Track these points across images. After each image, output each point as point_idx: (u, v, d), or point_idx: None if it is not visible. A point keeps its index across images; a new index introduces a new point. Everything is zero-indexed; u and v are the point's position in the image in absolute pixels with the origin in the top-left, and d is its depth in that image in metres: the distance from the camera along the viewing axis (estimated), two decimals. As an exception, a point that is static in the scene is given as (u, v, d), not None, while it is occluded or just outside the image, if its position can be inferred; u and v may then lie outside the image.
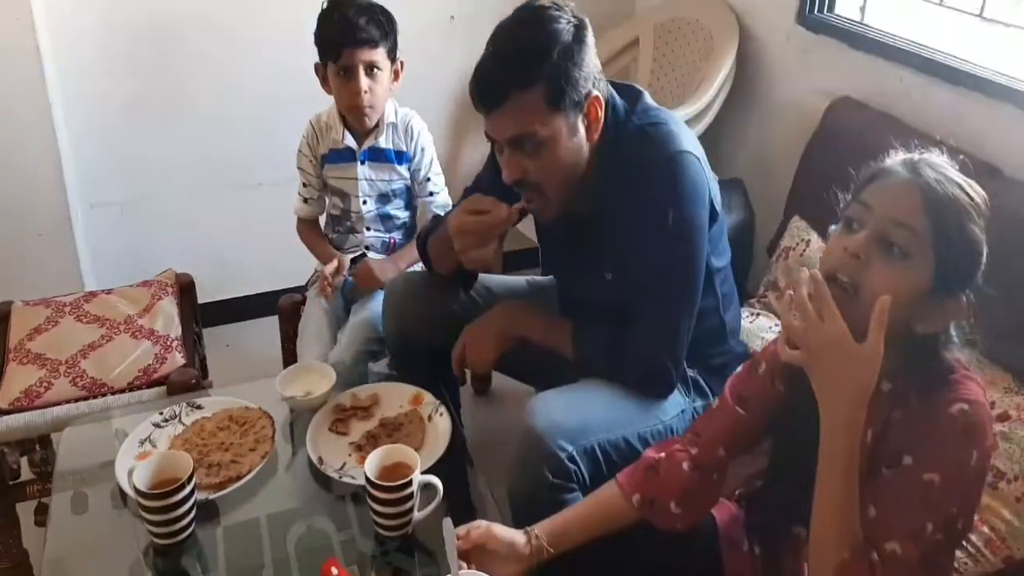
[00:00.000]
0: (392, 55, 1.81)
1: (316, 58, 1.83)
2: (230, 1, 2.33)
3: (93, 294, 1.96)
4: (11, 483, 1.72)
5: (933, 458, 0.93)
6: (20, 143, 2.13)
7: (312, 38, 1.81)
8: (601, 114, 1.32)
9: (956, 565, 1.32)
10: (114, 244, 2.45)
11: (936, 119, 1.80)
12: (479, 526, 1.18)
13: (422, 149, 1.90)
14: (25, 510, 1.77)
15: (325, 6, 1.80)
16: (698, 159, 1.34)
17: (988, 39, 1.81)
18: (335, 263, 1.86)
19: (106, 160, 2.37)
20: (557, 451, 1.26)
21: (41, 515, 1.79)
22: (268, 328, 2.46)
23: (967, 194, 0.97)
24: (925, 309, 0.97)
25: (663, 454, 1.20)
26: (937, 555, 0.98)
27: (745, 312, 1.81)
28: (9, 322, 1.86)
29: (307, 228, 2.03)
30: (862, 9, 2.14)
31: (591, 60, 1.29)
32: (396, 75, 1.84)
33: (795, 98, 2.17)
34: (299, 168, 1.97)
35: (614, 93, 1.37)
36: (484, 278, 1.71)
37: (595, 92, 1.30)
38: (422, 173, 1.92)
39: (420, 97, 2.45)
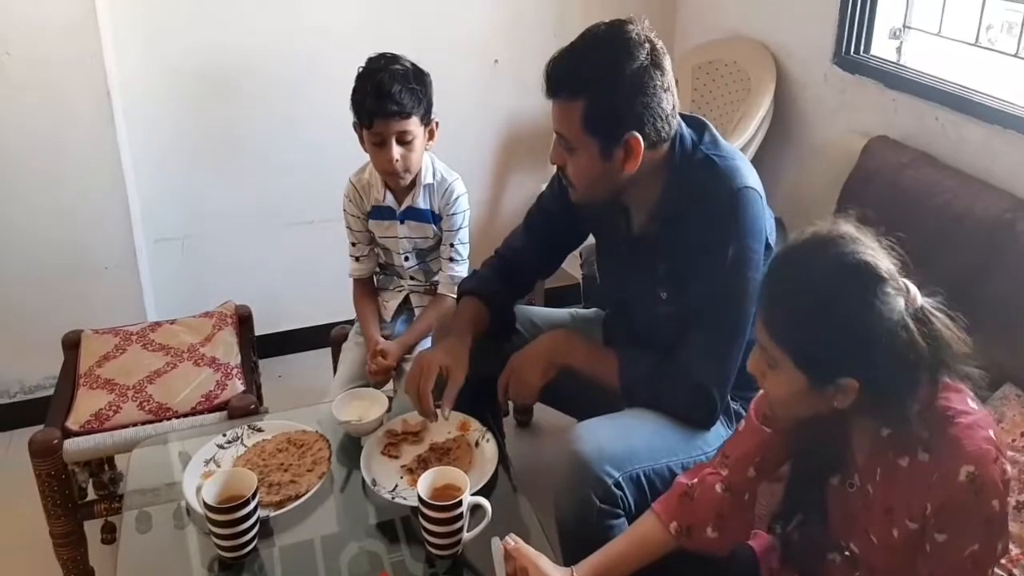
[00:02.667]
0: (426, 119, 1.82)
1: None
2: (287, 48, 2.45)
3: (158, 324, 2.06)
4: (80, 502, 1.81)
5: (965, 531, 0.99)
6: (90, 183, 2.26)
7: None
8: (640, 153, 1.34)
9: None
10: (175, 278, 2.57)
11: (971, 157, 1.84)
12: (527, 553, 1.20)
13: (453, 215, 1.93)
14: (91, 529, 1.86)
15: (363, 69, 1.82)
16: (760, 196, 1.40)
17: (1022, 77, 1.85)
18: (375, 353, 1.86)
19: (170, 199, 2.50)
20: (604, 476, 1.30)
21: (108, 533, 1.88)
22: (318, 359, 2.56)
23: (842, 282, 0.99)
24: (818, 397, 1.03)
25: (695, 480, 1.24)
26: None
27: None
28: (79, 349, 1.96)
29: (360, 293, 2.05)
30: (898, 50, 2.20)
31: (646, 100, 1.31)
32: (431, 135, 1.87)
33: (832, 138, 2.22)
34: (347, 228, 2.01)
35: (683, 125, 1.42)
36: (528, 310, 1.78)
37: (635, 134, 1.32)
38: (448, 239, 1.95)
39: (465, 139, 2.56)
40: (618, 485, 1.31)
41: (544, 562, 1.19)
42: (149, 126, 2.40)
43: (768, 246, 1.43)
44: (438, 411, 1.48)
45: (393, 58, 1.82)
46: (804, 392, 1.03)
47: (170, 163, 2.47)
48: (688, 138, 1.42)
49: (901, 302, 0.99)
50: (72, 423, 1.75)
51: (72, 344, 1.99)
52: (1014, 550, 1.36)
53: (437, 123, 1.87)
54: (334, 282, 2.27)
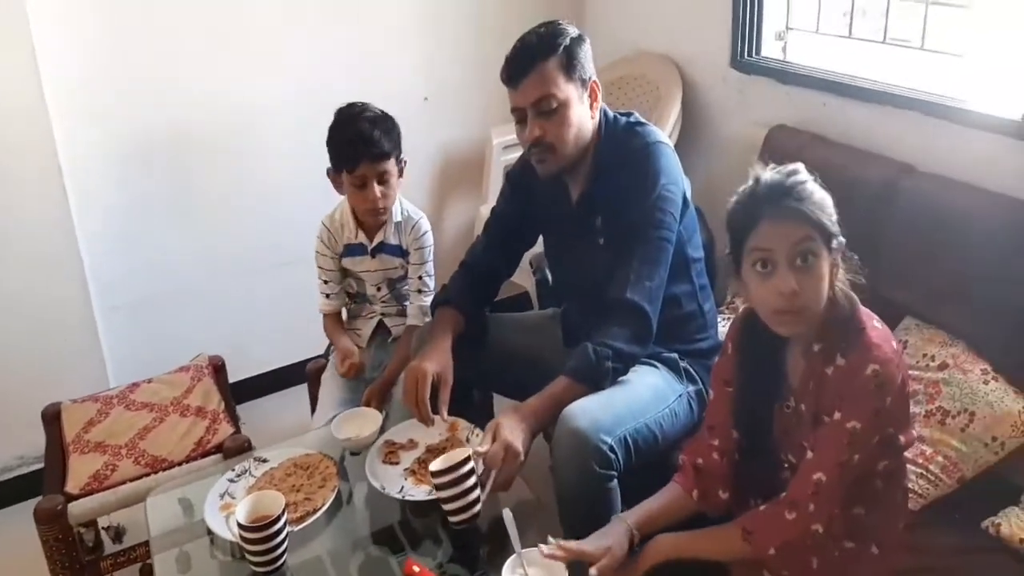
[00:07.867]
0: (399, 158, 1.95)
1: (319, 148, 1.95)
2: (227, 105, 2.52)
3: (136, 385, 2.12)
4: (87, 560, 1.84)
5: (855, 410, 1.20)
6: (44, 256, 2.28)
7: (309, 131, 1.96)
8: (600, 97, 1.68)
9: (920, 492, 1.57)
10: (141, 339, 2.57)
11: (857, 133, 2.10)
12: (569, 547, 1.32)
13: (420, 249, 2.03)
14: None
15: (338, 118, 1.92)
16: (672, 151, 1.70)
17: (891, 60, 2.13)
18: (345, 357, 2.00)
19: (123, 262, 2.50)
20: (600, 444, 1.46)
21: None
22: (291, 397, 2.61)
23: (795, 178, 1.22)
24: (829, 268, 1.23)
25: (700, 459, 1.42)
26: (872, 477, 1.27)
27: (719, 318, 2.05)
28: (60, 420, 2.00)
29: (331, 324, 2.14)
30: (784, 49, 2.46)
31: (590, 59, 1.67)
32: (401, 172, 1.97)
33: (737, 132, 2.46)
34: (319, 267, 2.08)
35: (605, 106, 1.73)
36: (499, 317, 1.94)
37: (594, 78, 1.66)
38: (415, 271, 2.06)
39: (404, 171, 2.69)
40: (611, 449, 1.47)
41: (589, 541, 1.34)
42: (97, 191, 2.40)
43: (685, 201, 1.70)
44: (436, 417, 1.61)
45: (364, 107, 1.93)
46: (828, 265, 1.20)
47: (121, 225, 2.47)
48: (611, 115, 1.73)
49: None
50: (72, 487, 1.80)
51: (53, 417, 2.03)
52: (928, 449, 1.60)
53: (405, 162, 1.99)
54: (299, 320, 2.35)
